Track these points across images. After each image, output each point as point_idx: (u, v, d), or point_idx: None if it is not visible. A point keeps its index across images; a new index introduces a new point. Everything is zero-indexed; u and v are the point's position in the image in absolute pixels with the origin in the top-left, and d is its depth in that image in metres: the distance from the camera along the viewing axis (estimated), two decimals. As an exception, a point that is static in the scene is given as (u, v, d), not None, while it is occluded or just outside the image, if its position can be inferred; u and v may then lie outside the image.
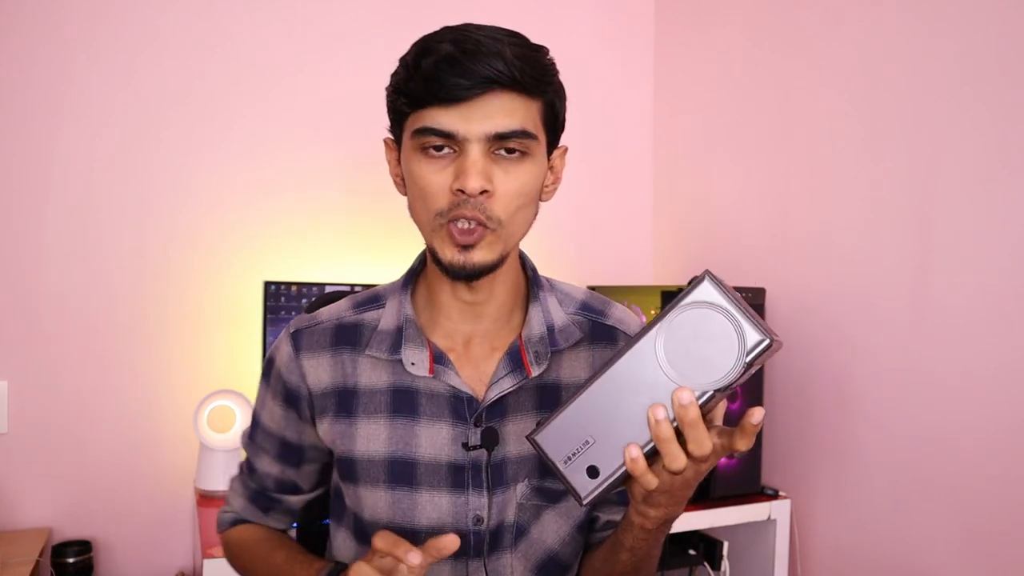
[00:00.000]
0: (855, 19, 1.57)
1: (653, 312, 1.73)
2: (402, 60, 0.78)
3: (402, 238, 1.83)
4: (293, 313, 1.65)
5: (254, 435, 0.95)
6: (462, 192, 0.74)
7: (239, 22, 1.80)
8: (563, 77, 0.81)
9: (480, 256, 0.76)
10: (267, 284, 1.66)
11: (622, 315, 0.92)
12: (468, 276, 0.77)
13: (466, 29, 0.76)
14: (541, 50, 0.79)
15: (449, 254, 0.76)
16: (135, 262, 1.72)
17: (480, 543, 0.83)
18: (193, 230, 1.77)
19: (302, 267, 1.84)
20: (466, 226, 0.75)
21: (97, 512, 1.68)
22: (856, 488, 1.56)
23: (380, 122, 0.86)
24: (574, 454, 0.64)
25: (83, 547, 1.57)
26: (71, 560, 1.54)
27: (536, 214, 0.83)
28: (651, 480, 0.64)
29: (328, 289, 1.68)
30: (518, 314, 0.87)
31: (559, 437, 0.65)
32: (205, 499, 1.58)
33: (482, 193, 0.74)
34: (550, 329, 0.86)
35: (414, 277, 0.89)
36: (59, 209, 1.66)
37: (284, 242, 1.84)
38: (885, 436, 1.50)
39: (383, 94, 0.81)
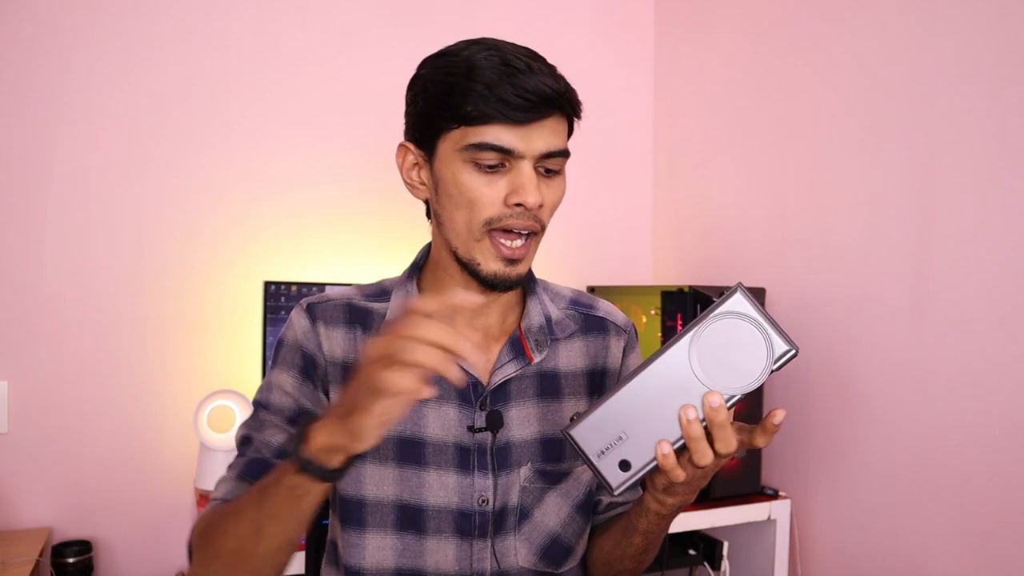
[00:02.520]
0: (855, 20, 1.57)
1: (653, 312, 1.73)
2: (444, 72, 0.80)
3: (403, 237, 1.84)
4: (293, 313, 1.65)
5: (257, 415, 0.89)
6: (520, 206, 0.79)
7: (239, 21, 1.80)
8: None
9: (522, 268, 0.83)
10: (267, 284, 1.66)
11: (609, 308, 1.00)
12: (508, 287, 0.83)
13: (501, 47, 0.79)
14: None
15: (494, 266, 0.81)
16: (135, 262, 1.72)
17: (485, 524, 0.87)
18: (193, 230, 1.76)
19: (302, 267, 1.84)
20: (518, 243, 0.80)
21: (97, 512, 1.68)
22: (856, 488, 1.56)
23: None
24: (607, 448, 0.69)
25: (83, 547, 1.57)
26: (71, 560, 1.54)
27: None
28: (680, 474, 0.68)
29: (328, 289, 1.68)
30: (516, 308, 0.93)
31: (593, 432, 0.69)
32: (205, 499, 1.58)
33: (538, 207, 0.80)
34: (547, 320, 0.92)
35: (418, 270, 0.93)
36: (59, 209, 1.66)
37: (284, 242, 1.84)
38: (885, 436, 1.50)
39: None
